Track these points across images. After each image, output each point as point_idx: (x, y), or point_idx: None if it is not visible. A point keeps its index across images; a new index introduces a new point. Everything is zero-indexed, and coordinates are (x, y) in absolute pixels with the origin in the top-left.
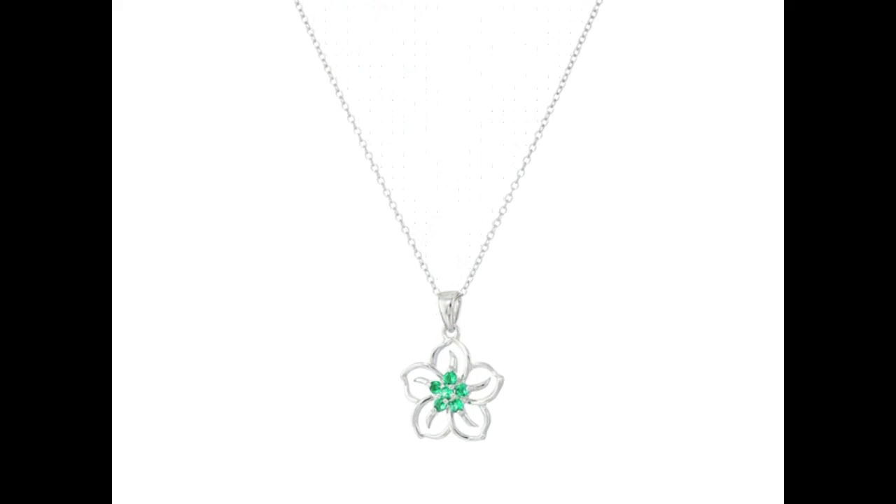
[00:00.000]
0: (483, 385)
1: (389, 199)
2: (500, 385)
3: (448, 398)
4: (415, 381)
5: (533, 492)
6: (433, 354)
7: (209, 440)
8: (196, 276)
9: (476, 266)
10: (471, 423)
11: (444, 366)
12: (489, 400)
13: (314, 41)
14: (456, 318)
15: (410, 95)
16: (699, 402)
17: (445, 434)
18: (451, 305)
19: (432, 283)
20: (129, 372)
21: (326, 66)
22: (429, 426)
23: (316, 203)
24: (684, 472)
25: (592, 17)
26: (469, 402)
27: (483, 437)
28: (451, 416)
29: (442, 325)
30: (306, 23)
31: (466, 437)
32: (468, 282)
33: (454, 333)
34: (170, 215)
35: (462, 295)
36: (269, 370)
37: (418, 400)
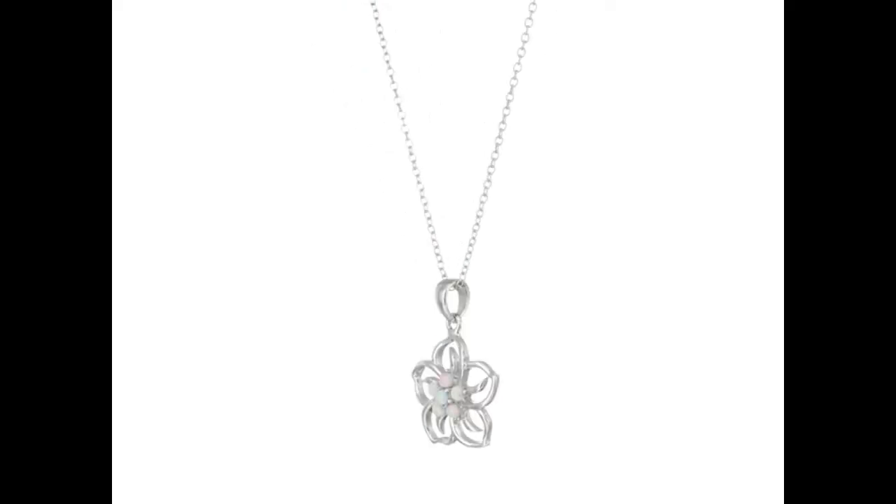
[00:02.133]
0: (481, 387)
1: (420, 187)
2: (496, 385)
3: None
4: (424, 380)
5: (531, 493)
6: (434, 351)
7: (213, 437)
8: (202, 266)
9: (468, 254)
10: (474, 428)
11: (448, 361)
12: (487, 403)
13: (381, 36)
14: (454, 309)
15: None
16: (702, 401)
17: (451, 441)
18: (446, 295)
19: (442, 270)
20: (131, 366)
21: (389, 63)
22: (442, 430)
23: (325, 195)
24: (689, 474)
25: (532, 8)
26: (470, 406)
27: (487, 444)
28: (452, 420)
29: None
30: (377, 18)
31: (470, 444)
32: (463, 272)
33: (457, 325)
34: (186, 203)
35: (457, 282)
36: (269, 366)
37: (429, 401)
